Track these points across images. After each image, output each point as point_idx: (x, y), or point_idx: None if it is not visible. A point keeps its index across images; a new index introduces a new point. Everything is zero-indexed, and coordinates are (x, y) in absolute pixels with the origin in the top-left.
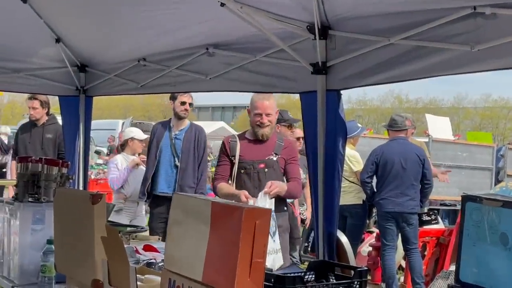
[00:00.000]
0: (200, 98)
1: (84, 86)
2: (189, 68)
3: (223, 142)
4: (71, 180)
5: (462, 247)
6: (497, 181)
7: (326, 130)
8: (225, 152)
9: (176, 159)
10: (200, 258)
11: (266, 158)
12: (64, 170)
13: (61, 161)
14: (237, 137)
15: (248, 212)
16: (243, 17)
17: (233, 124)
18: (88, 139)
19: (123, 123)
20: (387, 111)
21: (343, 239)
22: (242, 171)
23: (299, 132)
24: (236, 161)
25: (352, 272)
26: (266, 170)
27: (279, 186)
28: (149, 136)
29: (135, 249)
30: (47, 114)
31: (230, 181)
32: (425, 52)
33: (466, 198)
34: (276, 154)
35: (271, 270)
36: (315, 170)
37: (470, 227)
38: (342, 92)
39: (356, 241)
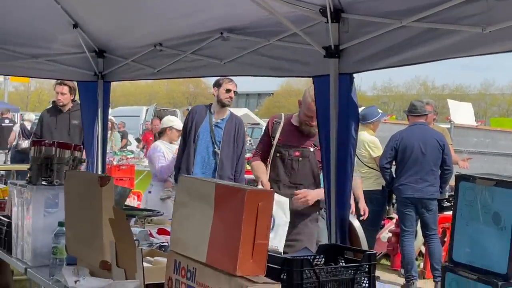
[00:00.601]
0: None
1: (102, 72)
2: (204, 52)
3: (268, 120)
4: (84, 164)
5: (455, 227)
6: None
7: (339, 114)
8: (267, 131)
9: (215, 146)
10: (204, 239)
11: (303, 147)
12: (77, 154)
13: (73, 144)
14: (282, 119)
15: (251, 194)
16: (256, 0)
17: (257, 111)
18: (106, 124)
19: (147, 110)
20: (412, 98)
21: (356, 223)
22: (278, 155)
23: None
24: (274, 143)
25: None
26: (300, 159)
27: (310, 197)
28: None
29: (149, 232)
30: (72, 100)
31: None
32: (437, 34)
33: (459, 178)
34: (315, 146)
35: (281, 253)
36: (328, 155)
37: (463, 206)
38: (354, 75)
39: (375, 227)
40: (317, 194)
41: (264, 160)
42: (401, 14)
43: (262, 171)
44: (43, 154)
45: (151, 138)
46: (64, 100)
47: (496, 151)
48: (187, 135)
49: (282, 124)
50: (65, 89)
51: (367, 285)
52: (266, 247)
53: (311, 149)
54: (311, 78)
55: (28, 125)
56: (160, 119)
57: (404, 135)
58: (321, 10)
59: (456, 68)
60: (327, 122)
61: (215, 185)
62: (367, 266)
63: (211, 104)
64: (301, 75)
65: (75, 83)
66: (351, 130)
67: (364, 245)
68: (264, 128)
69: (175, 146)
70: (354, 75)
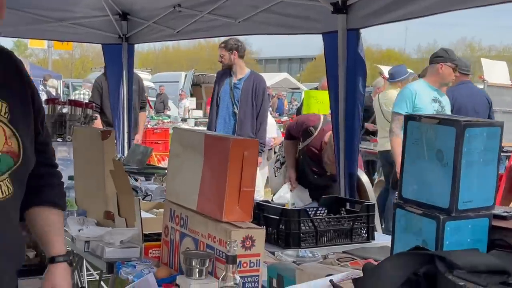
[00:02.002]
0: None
1: (126, 34)
2: (220, 12)
3: (308, 122)
4: (96, 120)
5: (403, 165)
6: None
7: (347, 70)
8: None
9: (234, 107)
10: (195, 188)
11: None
12: (89, 111)
13: (85, 102)
14: (317, 129)
15: (235, 142)
16: None
17: (298, 76)
18: (131, 86)
19: (185, 75)
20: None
21: (364, 178)
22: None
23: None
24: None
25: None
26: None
27: None
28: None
29: (165, 189)
30: None
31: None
32: None
33: (407, 118)
34: None
35: (283, 205)
36: (336, 111)
37: (411, 145)
38: (362, 31)
39: None
40: None
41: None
42: None
43: (290, 158)
44: (57, 112)
45: None
46: None
47: None
48: (213, 100)
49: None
50: None
51: (366, 234)
52: (252, 194)
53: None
54: None
55: (53, 91)
56: (198, 84)
57: (455, 94)
58: None
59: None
60: (335, 79)
61: (204, 135)
62: (366, 216)
63: (233, 65)
64: (311, 32)
65: None
66: (358, 85)
67: (372, 199)
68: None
69: None
70: (385, 35)
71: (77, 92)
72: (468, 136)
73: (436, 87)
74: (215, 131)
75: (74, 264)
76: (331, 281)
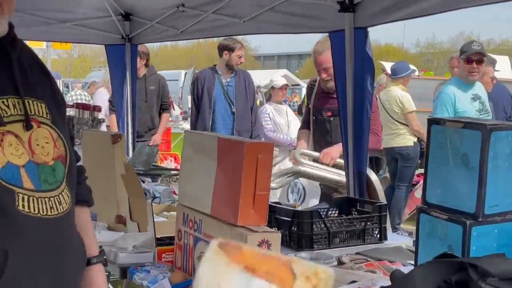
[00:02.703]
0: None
1: (129, 35)
2: (224, 12)
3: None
4: (103, 123)
5: (428, 170)
6: None
7: (354, 68)
8: (306, 96)
9: (232, 106)
10: (209, 192)
11: (334, 107)
12: (96, 114)
13: (92, 105)
14: (316, 82)
15: (250, 146)
16: None
17: (297, 72)
18: (134, 86)
19: (185, 74)
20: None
21: (373, 177)
22: (314, 118)
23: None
24: (311, 106)
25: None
26: (331, 119)
27: (333, 155)
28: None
29: (172, 190)
30: (146, 65)
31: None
32: None
33: (431, 121)
34: None
35: (294, 206)
36: (345, 109)
37: (435, 149)
38: (369, 29)
39: (407, 183)
40: (338, 149)
41: (307, 128)
42: None
43: (300, 141)
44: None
45: None
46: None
47: None
48: (200, 100)
49: (315, 87)
50: None
51: (378, 235)
52: (267, 198)
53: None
54: None
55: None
56: None
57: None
58: None
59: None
60: (343, 77)
61: (217, 139)
62: (378, 216)
63: (215, 66)
64: (318, 31)
65: (146, 47)
66: (367, 84)
67: (382, 198)
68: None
69: None
70: (386, 32)
71: (73, 93)
72: (494, 139)
73: (468, 83)
74: (210, 131)
75: (107, 263)
76: None
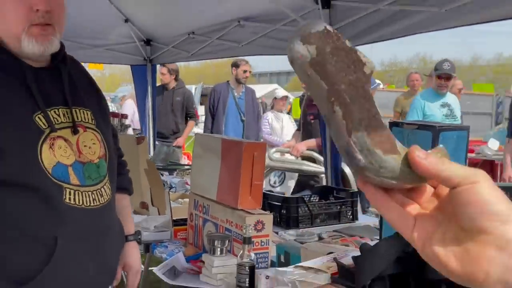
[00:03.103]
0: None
1: (150, 57)
2: (226, 38)
3: None
4: (130, 128)
5: None
6: (496, 123)
7: None
8: (300, 104)
9: (242, 115)
10: (214, 182)
11: (315, 112)
12: (123, 121)
13: (120, 113)
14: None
15: (247, 146)
16: None
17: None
18: (154, 99)
19: (195, 88)
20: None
21: (347, 170)
22: (302, 121)
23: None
24: (301, 112)
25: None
26: (313, 122)
27: (299, 148)
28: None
29: (185, 181)
30: (176, 79)
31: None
32: (405, 15)
33: (391, 124)
34: None
35: (284, 193)
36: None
37: None
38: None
39: None
40: (305, 144)
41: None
42: (376, 0)
43: (292, 140)
44: None
45: None
46: (165, 80)
47: (475, 110)
48: (215, 109)
49: (306, 97)
50: (164, 69)
51: (351, 216)
52: (261, 187)
53: (318, 111)
54: None
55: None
56: (205, 95)
57: None
58: None
59: (450, 45)
60: None
61: (221, 140)
62: (351, 201)
63: (228, 81)
64: None
65: (176, 65)
66: None
67: (354, 187)
68: (291, 100)
69: None
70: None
71: None
72: (442, 138)
73: (439, 93)
74: (227, 134)
75: (141, 242)
76: (335, 258)
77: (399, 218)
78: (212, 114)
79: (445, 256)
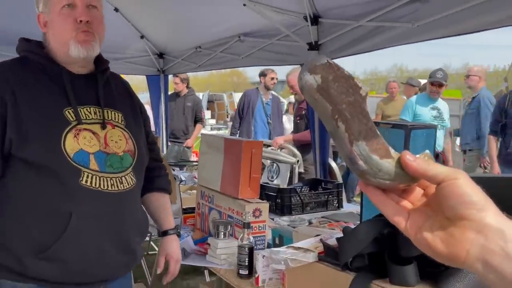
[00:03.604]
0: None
1: (163, 68)
2: (228, 51)
3: None
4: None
5: None
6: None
7: None
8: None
9: (268, 118)
10: (218, 175)
11: (300, 113)
12: None
13: None
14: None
15: (246, 144)
16: (260, 13)
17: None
18: (167, 105)
19: (202, 95)
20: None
21: (333, 164)
22: (293, 121)
23: None
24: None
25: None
26: (298, 121)
27: (279, 141)
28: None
29: (194, 175)
30: (187, 87)
31: None
32: (382, 30)
33: None
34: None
35: (278, 185)
36: (312, 117)
37: None
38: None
39: None
40: (283, 138)
41: None
42: (358, 17)
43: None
44: None
45: None
46: (178, 88)
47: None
48: (244, 112)
49: (296, 103)
50: (177, 79)
51: (337, 204)
52: (259, 179)
53: (303, 112)
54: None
55: None
56: (212, 101)
57: None
58: (304, 17)
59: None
60: None
61: (224, 139)
62: (336, 191)
63: (257, 88)
64: (293, 63)
65: (187, 74)
66: None
67: (339, 179)
68: (285, 103)
69: None
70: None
71: None
72: (413, 135)
73: (431, 98)
74: (252, 134)
75: (180, 235)
76: (321, 240)
77: (396, 213)
78: (241, 116)
79: (433, 240)
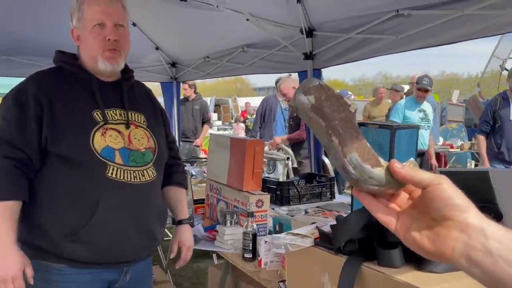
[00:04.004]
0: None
1: (175, 76)
2: (233, 61)
3: None
4: None
5: None
6: (441, 125)
7: None
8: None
9: (285, 122)
10: (225, 170)
11: (292, 115)
12: None
13: None
14: None
15: (250, 142)
16: (261, 27)
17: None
18: (179, 109)
19: (210, 99)
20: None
21: (326, 160)
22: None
23: None
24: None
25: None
26: (292, 122)
27: (277, 141)
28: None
29: (203, 170)
30: (195, 92)
31: None
32: (370, 41)
33: (359, 124)
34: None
35: (278, 179)
36: None
37: None
38: (322, 70)
39: None
40: (280, 138)
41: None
42: (348, 30)
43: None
44: None
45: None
46: (186, 93)
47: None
48: (266, 116)
49: (289, 108)
50: (185, 85)
51: (329, 195)
52: (261, 174)
53: (295, 114)
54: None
55: None
56: (218, 105)
57: None
58: (300, 30)
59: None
60: None
61: (230, 138)
62: (329, 184)
63: (275, 94)
64: (291, 71)
65: (194, 81)
66: None
67: (332, 173)
68: (283, 107)
69: None
70: (333, 71)
71: None
72: (398, 135)
73: (417, 101)
74: (273, 135)
75: (193, 224)
76: (317, 227)
77: (386, 216)
78: (262, 119)
79: (421, 239)
